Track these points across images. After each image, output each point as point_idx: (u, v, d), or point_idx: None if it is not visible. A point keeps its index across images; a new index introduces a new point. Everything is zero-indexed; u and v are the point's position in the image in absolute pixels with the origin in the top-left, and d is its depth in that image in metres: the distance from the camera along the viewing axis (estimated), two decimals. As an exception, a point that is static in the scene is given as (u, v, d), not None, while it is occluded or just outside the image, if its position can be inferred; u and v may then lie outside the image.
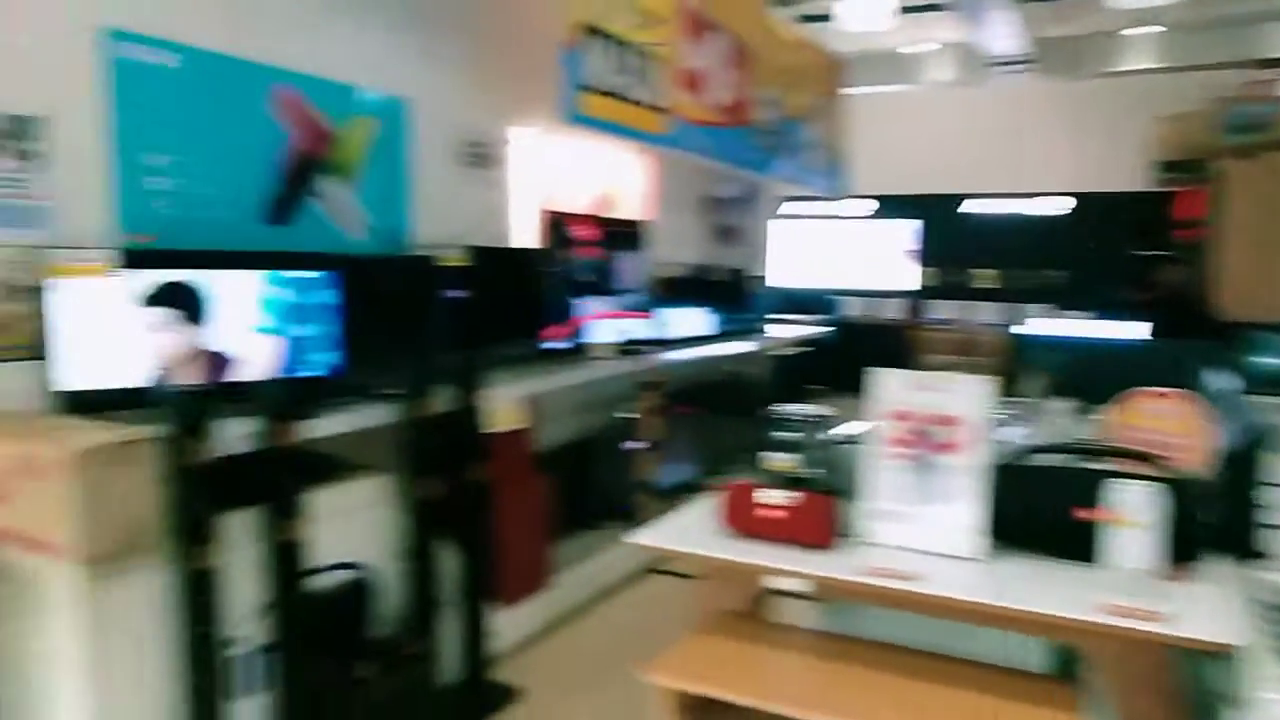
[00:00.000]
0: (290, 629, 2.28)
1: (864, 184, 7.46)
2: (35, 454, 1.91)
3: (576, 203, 4.41)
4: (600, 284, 4.16)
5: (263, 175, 2.75)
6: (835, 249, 9.20)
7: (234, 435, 2.19)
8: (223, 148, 2.62)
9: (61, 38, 2.24)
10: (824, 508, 1.83)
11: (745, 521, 1.88)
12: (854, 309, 9.05)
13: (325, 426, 2.48)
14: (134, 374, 2.26)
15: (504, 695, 2.91)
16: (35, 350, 2.16)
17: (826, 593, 2.06)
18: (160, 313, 2.30)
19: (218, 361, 2.39)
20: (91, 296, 2.19)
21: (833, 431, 2.09)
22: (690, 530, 1.96)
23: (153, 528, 2.00)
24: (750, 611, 2.11)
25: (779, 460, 1.99)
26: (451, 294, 3.17)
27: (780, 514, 1.84)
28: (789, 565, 1.77)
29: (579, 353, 3.96)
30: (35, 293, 2.15)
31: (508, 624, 3.15)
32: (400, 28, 3.26)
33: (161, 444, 2.00)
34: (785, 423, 2.05)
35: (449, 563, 2.76)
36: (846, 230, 9.21)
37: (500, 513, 3.01)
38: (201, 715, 2.12)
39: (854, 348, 7.79)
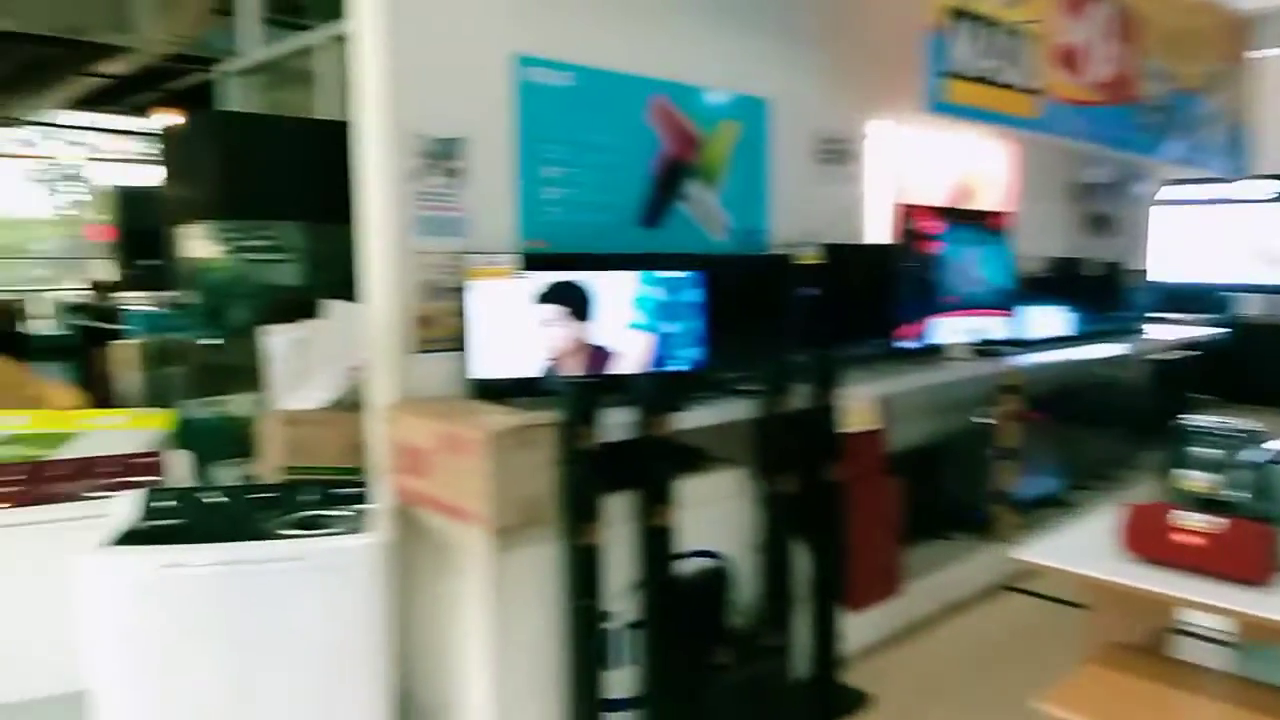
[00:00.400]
0: (658, 609, 2.42)
1: (1276, 162, 6.37)
2: (457, 433, 2.19)
3: (932, 195, 4.22)
4: (956, 280, 3.94)
5: (638, 181, 2.94)
6: (1232, 238, 7.97)
7: (613, 424, 2.37)
8: (605, 157, 2.84)
9: (481, 67, 2.55)
10: (1260, 538, 1.58)
11: (1155, 547, 1.67)
12: (1253, 307, 7.79)
13: (690, 419, 2.59)
14: (529, 365, 2.52)
15: (855, 699, 2.86)
16: (456, 343, 2.47)
17: (1255, 634, 1.78)
18: (552, 310, 2.54)
19: (599, 355, 2.59)
20: (498, 296, 2.47)
21: (1263, 449, 1.80)
22: (1083, 550, 1.78)
23: (548, 505, 2.22)
24: (1150, 646, 1.88)
25: (1196, 480, 1.75)
26: (807, 292, 3.18)
27: (1200, 541, 1.62)
28: (1218, 601, 1.55)
29: (932, 353, 3.79)
30: (456, 293, 2.47)
31: (857, 628, 3.09)
32: (761, 29, 3.32)
33: (556, 429, 2.21)
34: (1202, 437, 1.80)
35: (801, 560, 2.76)
36: (1247, 216, 7.94)
37: (852, 514, 2.96)
38: (582, 679, 2.31)
39: (1253, 353, 6.71)
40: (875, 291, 3.57)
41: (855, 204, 3.80)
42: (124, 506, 2.17)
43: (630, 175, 2.92)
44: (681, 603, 2.50)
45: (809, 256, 3.26)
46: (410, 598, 2.39)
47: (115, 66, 7.34)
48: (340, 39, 2.94)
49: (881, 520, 3.28)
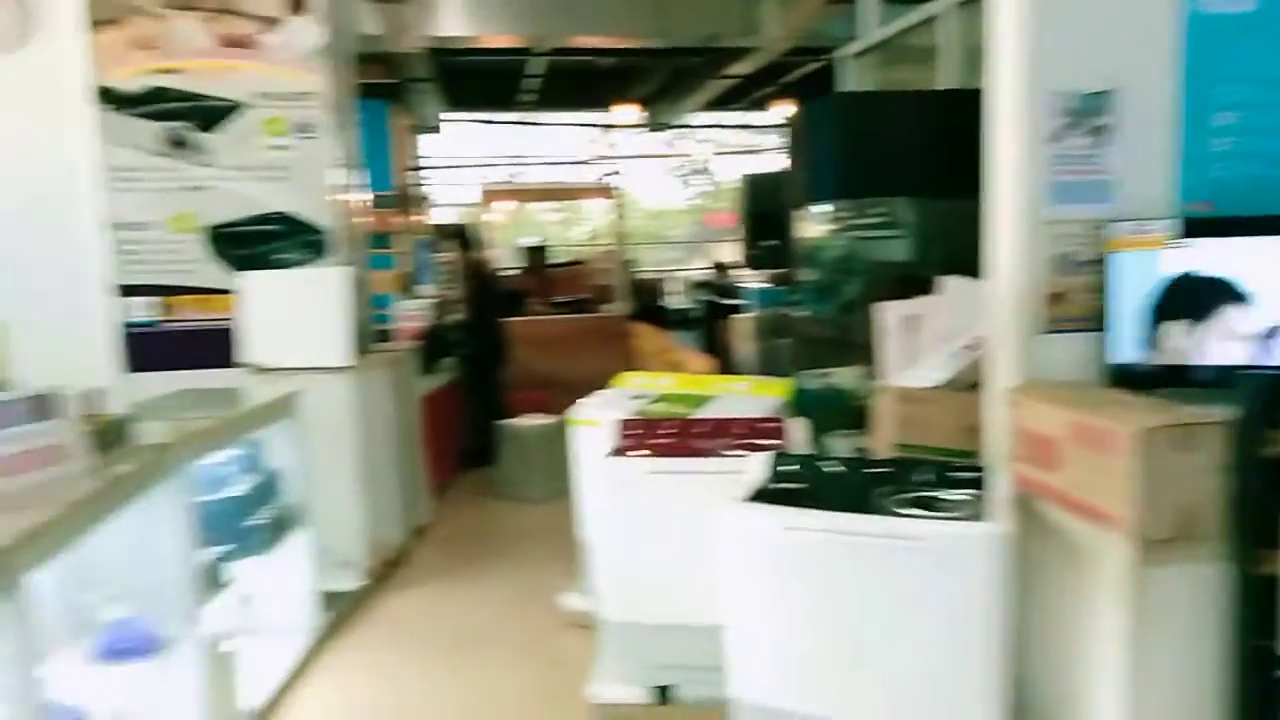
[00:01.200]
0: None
1: None
2: (1096, 425, 1.94)
3: None
4: None
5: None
6: None
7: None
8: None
9: (1137, 6, 2.21)
10: None
11: None
12: None
13: None
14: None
15: None
16: (1091, 322, 2.21)
17: None
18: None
19: (1284, 342, 2.09)
20: (1149, 269, 2.14)
21: None
22: None
23: (1211, 519, 1.85)
24: None
25: None
26: None
27: None
28: None
29: None
30: (1094, 265, 2.19)
31: None
32: None
33: (1227, 430, 1.83)
34: None
35: None
36: None
37: None
38: (1247, 735, 1.90)
39: None
40: None
41: None
42: (753, 466, 2.35)
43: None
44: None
45: None
46: (1026, 595, 2.21)
47: (741, 67, 8.21)
48: (965, 3, 2.82)
49: None
